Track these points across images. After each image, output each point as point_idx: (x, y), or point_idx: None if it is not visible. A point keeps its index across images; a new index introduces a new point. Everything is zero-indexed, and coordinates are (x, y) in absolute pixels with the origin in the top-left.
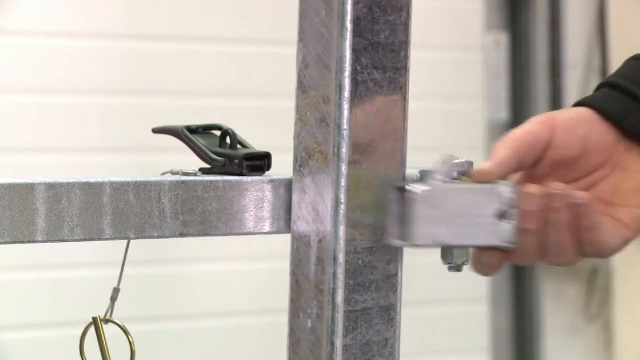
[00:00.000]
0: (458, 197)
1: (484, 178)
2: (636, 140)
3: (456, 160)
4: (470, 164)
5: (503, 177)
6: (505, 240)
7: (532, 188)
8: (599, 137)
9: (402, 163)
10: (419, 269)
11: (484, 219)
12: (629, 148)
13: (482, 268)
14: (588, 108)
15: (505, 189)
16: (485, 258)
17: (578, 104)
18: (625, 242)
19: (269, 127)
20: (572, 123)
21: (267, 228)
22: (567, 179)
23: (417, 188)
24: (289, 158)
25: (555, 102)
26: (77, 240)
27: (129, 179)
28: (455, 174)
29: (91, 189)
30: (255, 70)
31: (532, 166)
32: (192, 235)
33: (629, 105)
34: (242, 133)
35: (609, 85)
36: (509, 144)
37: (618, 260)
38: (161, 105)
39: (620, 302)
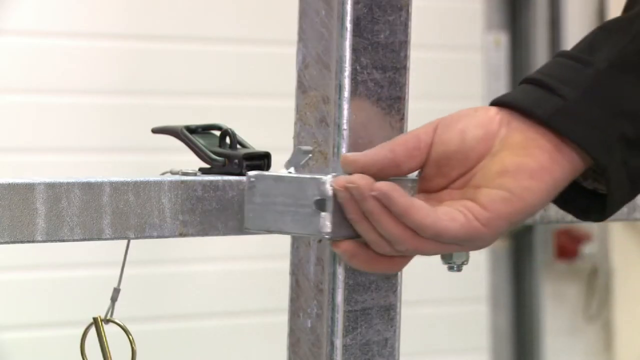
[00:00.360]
0: (283, 186)
1: (344, 166)
2: (546, 128)
3: (303, 148)
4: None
5: (367, 171)
6: (322, 230)
7: (336, 181)
8: (477, 129)
9: None
10: (419, 269)
11: (305, 209)
12: (511, 134)
13: (343, 257)
14: (498, 105)
15: (325, 180)
16: (338, 247)
17: (491, 104)
18: (485, 223)
19: (269, 127)
20: (453, 120)
21: None
22: (452, 176)
23: (251, 175)
24: None
25: None
26: (77, 240)
27: (128, 179)
28: (303, 162)
29: (91, 189)
30: (255, 70)
31: (422, 168)
32: (192, 235)
33: (542, 95)
34: (242, 133)
35: (525, 81)
36: (387, 144)
37: (618, 260)
38: (161, 105)
39: (620, 302)
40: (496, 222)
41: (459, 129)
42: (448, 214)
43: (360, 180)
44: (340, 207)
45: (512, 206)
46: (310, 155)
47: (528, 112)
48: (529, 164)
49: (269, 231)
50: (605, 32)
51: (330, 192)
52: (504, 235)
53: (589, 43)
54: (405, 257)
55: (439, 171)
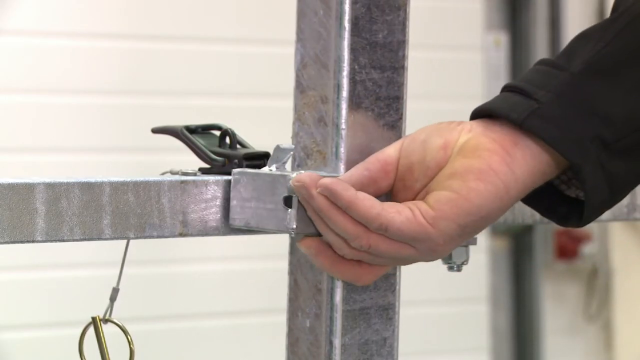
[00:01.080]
0: (259, 183)
1: (323, 192)
2: (521, 131)
3: (283, 146)
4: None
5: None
6: (289, 226)
7: (292, 182)
8: (438, 139)
9: None
10: (419, 269)
11: (277, 205)
12: (469, 139)
13: (308, 254)
14: (478, 113)
15: (290, 177)
16: (301, 244)
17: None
18: (432, 222)
19: (269, 127)
20: (417, 134)
21: None
22: (416, 189)
23: (235, 172)
24: None
25: None
26: (77, 240)
27: (128, 179)
28: (284, 160)
29: (91, 189)
30: (255, 70)
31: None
32: (192, 235)
33: (518, 100)
34: (242, 133)
35: (504, 89)
36: (361, 164)
37: (618, 260)
38: (161, 105)
39: (620, 302)
40: (443, 223)
41: (421, 140)
42: (394, 207)
43: (306, 178)
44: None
45: (458, 206)
46: (292, 152)
47: (504, 117)
48: (476, 165)
49: (249, 226)
50: (583, 39)
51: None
52: (456, 240)
53: (568, 50)
54: (372, 268)
55: (404, 185)
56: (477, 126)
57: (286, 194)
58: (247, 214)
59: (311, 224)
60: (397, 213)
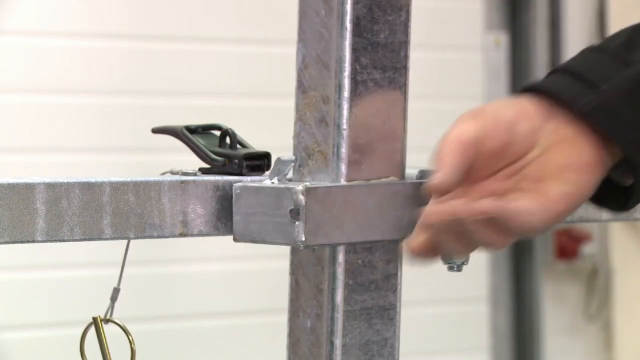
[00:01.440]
0: (263, 197)
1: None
2: (584, 122)
3: (284, 158)
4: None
5: (458, 183)
6: (297, 239)
7: (428, 217)
8: (523, 123)
9: (402, 163)
10: (419, 269)
11: (283, 218)
12: (558, 127)
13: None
14: (534, 92)
15: (297, 190)
16: (411, 249)
17: (525, 89)
18: (557, 216)
19: (269, 127)
20: (493, 115)
21: None
22: (497, 167)
23: (236, 187)
24: None
25: None
26: (77, 240)
27: (128, 179)
28: (285, 172)
29: (91, 189)
30: (255, 70)
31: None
32: (192, 235)
33: (581, 89)
34: (242, 133)
35: (561, 71)
36: (451, 150)
37: (618, 260)
38: (161, 105)
39: (620, 302)
40: (564, 215)
41: (505, 123)
42: (534, 212)
43: (461, 207)
44: (313, 214)
45: (576, 199)
46: (293, 164)
47: (568, 105)
48: (584, 158)
49: (254, 241)
50: None
51: (302, 201)
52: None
53: (627, 41)
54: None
55: (486, 163)
56: (554, 111)
57: (292, 207)
58: (252, 228)
59: (319, 234)
60: (541, 216)
